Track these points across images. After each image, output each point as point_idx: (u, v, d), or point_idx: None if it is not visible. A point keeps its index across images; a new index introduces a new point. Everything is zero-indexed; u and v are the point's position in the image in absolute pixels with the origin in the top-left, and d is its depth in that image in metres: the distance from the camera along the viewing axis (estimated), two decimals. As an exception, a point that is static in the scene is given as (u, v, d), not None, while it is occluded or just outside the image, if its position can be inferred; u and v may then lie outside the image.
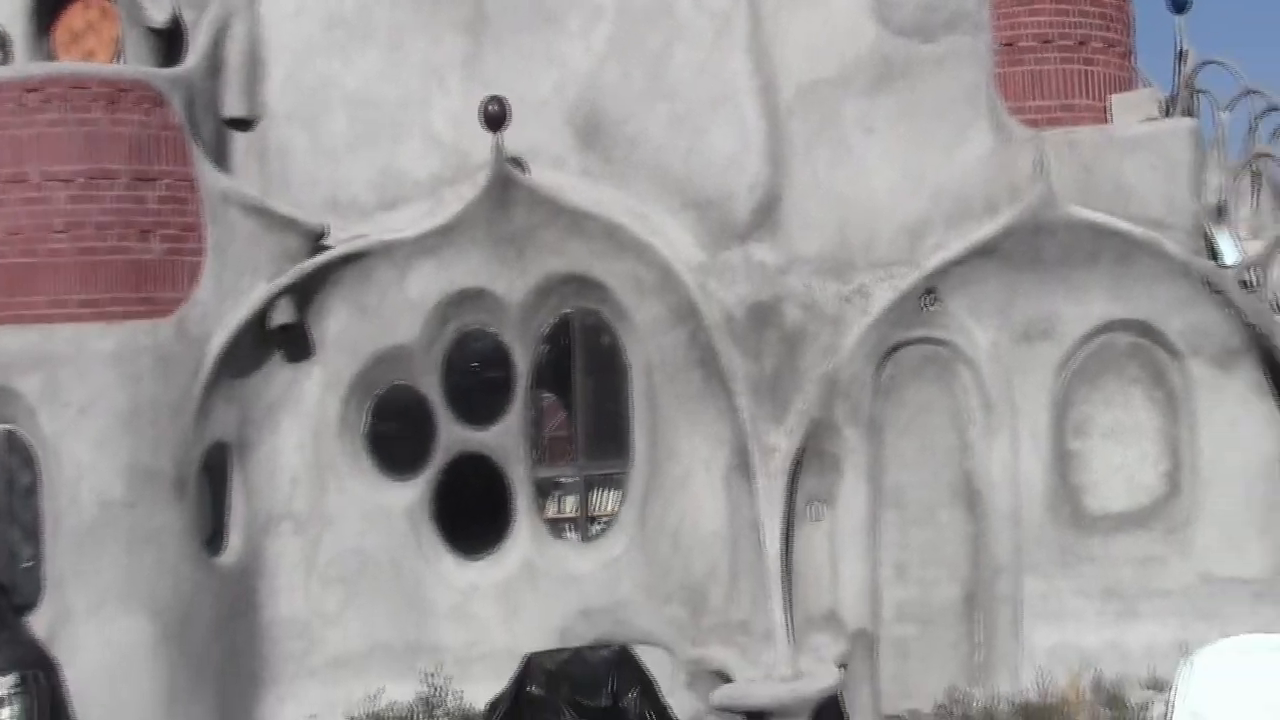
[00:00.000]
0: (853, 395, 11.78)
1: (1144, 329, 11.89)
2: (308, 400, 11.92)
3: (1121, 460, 11.98)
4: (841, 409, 11.77)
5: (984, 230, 11.70)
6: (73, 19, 12.67)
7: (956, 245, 11.72)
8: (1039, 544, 11.87)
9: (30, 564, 11.00)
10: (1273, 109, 13.08)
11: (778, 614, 11.33)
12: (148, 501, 10.96)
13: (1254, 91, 13.23)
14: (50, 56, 12.50)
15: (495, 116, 11.51)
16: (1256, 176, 13.16)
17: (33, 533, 11.02)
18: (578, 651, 10.91)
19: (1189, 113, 13.47)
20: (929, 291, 11.77)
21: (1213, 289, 11.71)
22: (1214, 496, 11.84)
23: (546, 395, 12.61)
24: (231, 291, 11.50)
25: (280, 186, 12.09)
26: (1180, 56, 13.65)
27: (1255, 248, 12.95)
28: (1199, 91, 13.53)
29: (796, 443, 11.66)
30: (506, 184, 11.71)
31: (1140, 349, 11.95)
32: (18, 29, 12.37)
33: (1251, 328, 11.69)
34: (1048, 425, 11.88)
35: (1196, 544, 11.86)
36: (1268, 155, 12.59)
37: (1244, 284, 11.87)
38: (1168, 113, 12.87)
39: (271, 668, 11.68)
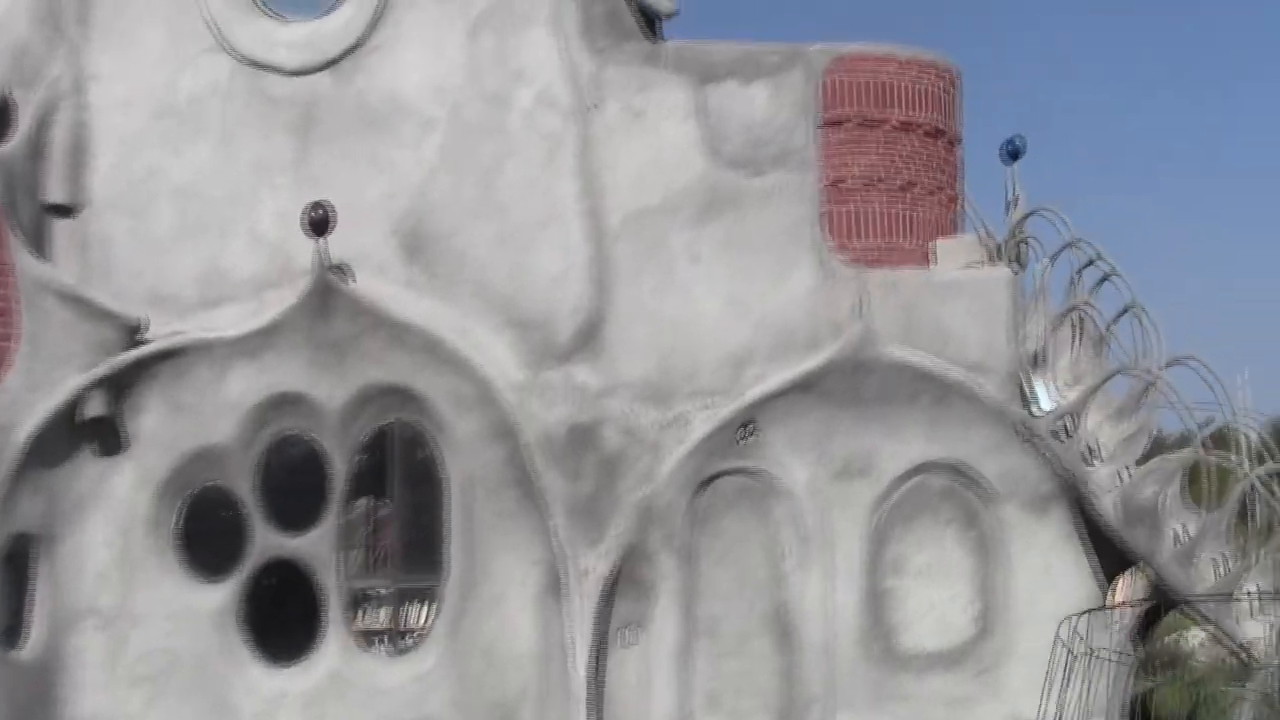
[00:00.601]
0: (668, 522, 13.86)
1: (959, 471, 14.13)
2: (118, 495, 13.66)
3: (934, 600, 14.15)
4: (657, 535, 13.84)
5: (804, 366, 13.89)
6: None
7: (776, 379, 13.92)
8: (851, 679, 13.98)
9: None
10: (1094, 261, 15.78)
11: (582, 736, 13.36)
12: (-58, 590, 12.64)
13: (1077, 243, 15.92)
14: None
15: (318, 222, 13.49)
16: (1078, 326, 15.78)
17: None
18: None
19: (1017, 260, 16.13)
20: (747, 423, 14.05)
21: (1026, 436, 14.16)
22: (1025, 639, 14.04)
23: (384, 502, 14.60)
24: (43, 380, 13.25)
25: (101, 277, 13.92)
26: (1012, 204, 16.40)
27: (1074, 396, 15.59)
28: (1025, 240, 16.25)
29: (610, 567, 13.68)
30: (328, 291, 13.67)
31: (955, 491, 14.19)
32: None
33: (1063, 476, 14.17)
34: (862, 562, 14.08)
35: (1007, 685, 14.01)
36: (1087, 306, 15.19)
37: (1057, 433, 14.38)
38: (1001, 258, 15.52)
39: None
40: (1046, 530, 14.17)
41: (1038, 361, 14.74)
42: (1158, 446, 15.71)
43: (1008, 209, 15.99)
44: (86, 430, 13.58)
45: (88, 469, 13.64)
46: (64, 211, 14.07)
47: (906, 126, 14.74)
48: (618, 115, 14.37)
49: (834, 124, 14.54)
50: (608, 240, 14.24)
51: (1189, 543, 13.99)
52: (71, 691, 13.38)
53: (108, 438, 13.70)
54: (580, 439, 13.93)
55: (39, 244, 13.84)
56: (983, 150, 16.40)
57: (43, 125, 13.95)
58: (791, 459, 14.07)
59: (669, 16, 14.77)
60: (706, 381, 14.14)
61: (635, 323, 14.20)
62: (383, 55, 14.35)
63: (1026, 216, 15.93)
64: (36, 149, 13.90)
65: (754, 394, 13.97)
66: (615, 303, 14.19)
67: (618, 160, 14.34)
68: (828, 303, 14.22)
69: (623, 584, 13.84)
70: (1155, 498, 14.05)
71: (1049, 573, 14.13)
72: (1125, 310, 15.47)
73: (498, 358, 14.01)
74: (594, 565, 13.76)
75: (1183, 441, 15.11)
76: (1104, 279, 15.68)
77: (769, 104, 14.44)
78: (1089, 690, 13.79)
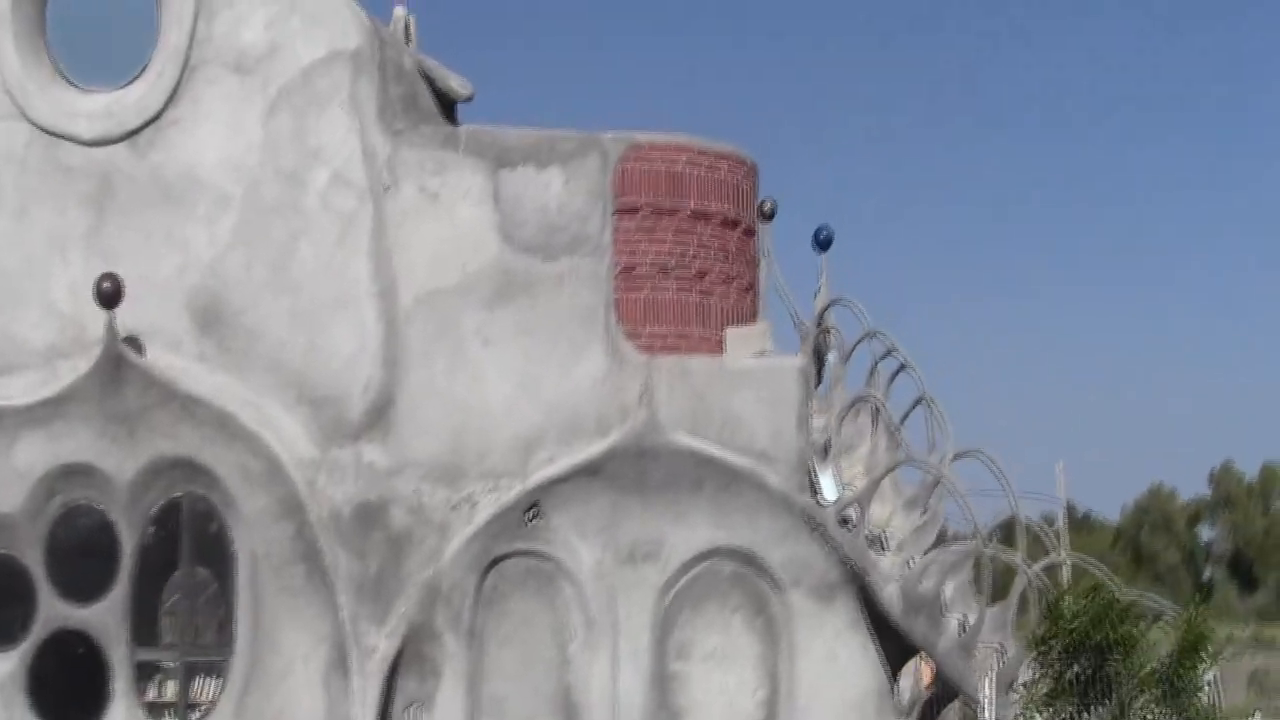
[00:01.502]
0: (454, 602, 17.63)
1: (747, 558, 17.91)
2: None
3: (721, 685, 17.90)
4: (443, 615, 17.62)
5: (589, 451, 17.81)
6: None
7: (562, 463, 17.93)
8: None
9: None
10: (891, 352, 20.38)
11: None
12: None
13: (876, 334, 20.53)
14: None
15: (108, 294, 17.08)
16: (875, 416, 20.34)
17: None
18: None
19: (819, 348, 20.76)
20: (533, 506, 18.25)
21: (811, 525, 18.53)
22: (811, 725, 18.34)
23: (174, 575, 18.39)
24: None
25: None
26: (816, 293, 21.03)
27: (862, 485, 20.15)
28: (828, 329, 20.87)
29: (395, 645, 17.41)
30: (118, 363, 17.30)
31: (743, 577, 17.96)
32: None
33: (848, 565, 18.54)
34: (649, 646, 17.81)
35: (793, 770, 18.28)
36: (872, 397, 19.76)
37: (844, 521, 18.79)
38: (816, 347, 20.04)
39: None
40: (833, 618, 18.17)
41: (827, 451, 19.20)
42: (953, 537, 20.22)
43: (815, 297, 20.69)
44: None
45: None
46: None
47: (700, 216, 18.95)
48: (413, 197, 18.34)
49: (627, 211, 18.66)
50: (400, 320, 18.11)
51: (969, 633, 18.39)
52: None
53: None
54: (368, 517, 17.84)
55: None
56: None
57: None
58: (578, 542, 17.99)
59: (465, 100, 19.01)
60: (496, 463, 18.00)
61: (426, 403, 18.03)
62: (181, 130, 18.15)
63: (828, 306, 20.53)
64: None
65: (539, 477, 17.83)
66: (407, 383, 18.06)
67: (412, 241, 18.22)
68: (618, 388, 18.23)
69: (408, 662, 17.61)
70: (936, 588, 18.39)
71: (835, 660, 18.00)
72: (918, 401, 20.13)
73: (289, 434, 17.91)
74: (379, 643, 17.64)
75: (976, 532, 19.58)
76: (899, 369, 20.35)
77: (564, 190, 18.42)
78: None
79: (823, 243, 21.28)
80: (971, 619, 18.52)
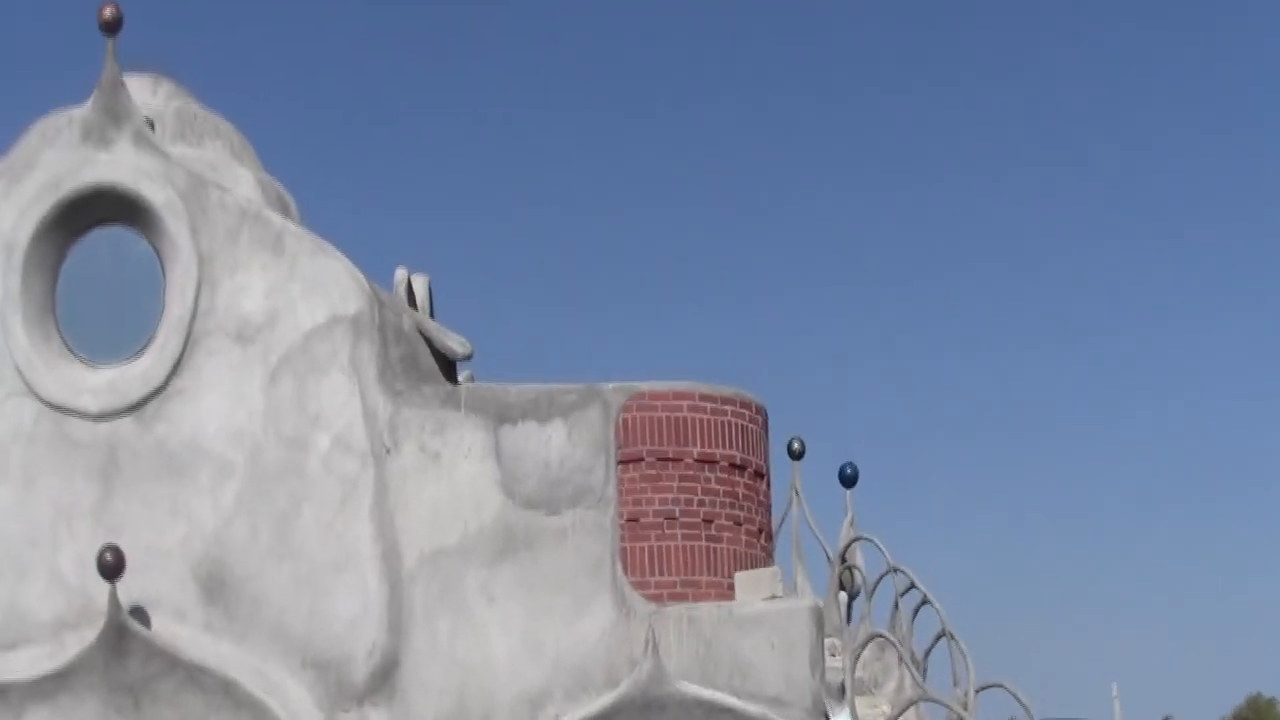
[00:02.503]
0: None
1: None
2: None
3: None
4: None
5: (593, 705, 17.43)
6: None
7: (569, 718, 17.45)
8: None
9: None
10: (911, 587, 19.47)
11: None
12: None
13: (898, 569, 19.65)
14: None
15: (110, 566, 17.03)
16: (902, 651, 19.35)
17: None
18: None
19: (843, 585, 19.86)
20: (535, 763, 17.42)
21: (829, 775, 17.58)
22: None
23: None
24: None
25: None
26: (845, 530, 20.20)
27: (882, 727, 19.10)
28: (851, 567, 19.99)
29: None
30: (122, 633, 17.16)
31: None
32: None
33: (861, 810, 17.54)
34: None
35: None
36: (884, 635, 18.80)
37: (861, 765, 17.80)
38: (842, 584, 19.13)
39: None
40: None
41: (841, 693, 18.19)
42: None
43: (841, 534, 19.85)
44: (-122, 777, 16.97)
45: None
46: None
47: (706, 461, 18.43)
48: (414, 456, 18.04)
49: (631, 461, 18.21)
50: (404, 581, 17.78)
51: None
52: None
53: None
54: None
55: None
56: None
57: None
58: (578, 806, 17.38)
59: (464, 358, 18.63)
60: None
61: (430, 664, 17.64)
62: (184, 400, 18.10)
63: (851, 543, 19.72)
64: None
65: None
66: (411, 644, 17.66)
67: (414, 501, 17.94)
68: (625, 640, 17.65)
69: None
70: (950, 837, 17.43)
71: None
72: (940, 636, 19.17)
73: (294, 700, 17.45)
74: None
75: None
76: (922, 603, 19.44)
77: (566, 443, 18.09)
78: None
79: (848, 479, 20.47)
80: None
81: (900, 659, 19.39)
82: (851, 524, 20.23)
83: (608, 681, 17.58)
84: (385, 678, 17.60)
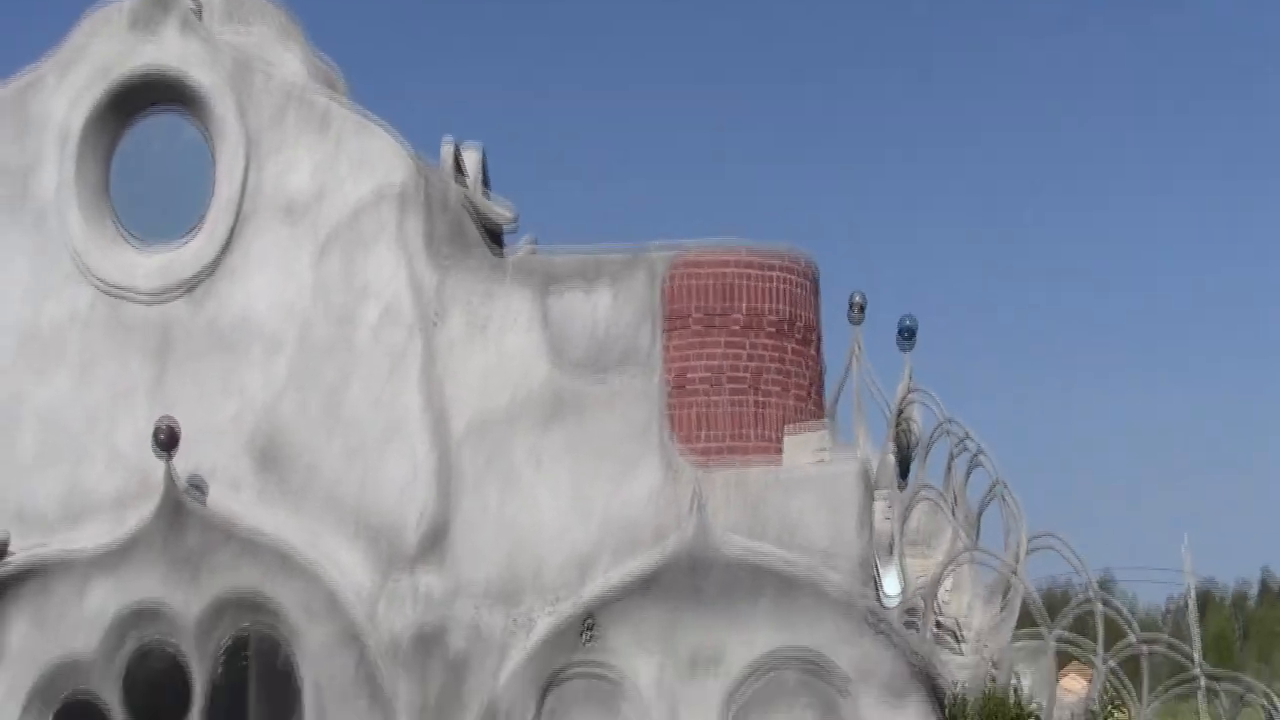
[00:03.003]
0: (515, 720, 17.12)
1: (812, 662, 16.99)
2: None
3: None
4: (503, 735, 17.09)
5: (640, 565, 17.17)
6: None
7: (616, 578, 17.15)
8: None
9: None
10: (964, 440, 18.94)
11: None
12: None
13: (950, 425, 19.12)
14: None
15: (165, 442, 17.10)
16: (954, 507, 18.85)
17: None
18: None
19: (899, 441, 19.39)
20: (587, 622, 17.21)
21: (875, 625, 17.15)
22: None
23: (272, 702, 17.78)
24: None
25: None
26: (904, 386, 19.70)
27: (947, 580, 18.66)
28: (908, 422, 19.50)
29: (456, 768, 16.96)
30: (178, 507, 17.25)
31: (810, 682, 17.02)
32: None
33: (917, 663, 17.08)
34: None
35: None
36: (926, 490, 18.31)
37: (910, 620, 17.34)
38: (898, 440, 18.70)
39: None
40: (905, 717, 17.03)
41: (890, 549, 17.78)
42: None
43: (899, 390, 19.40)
44: (-45, 647, 17.20)
45: None
46: (-65, 441, 17.83)
47: (753, 322, 18.03)
48: (462, 326, 17.85)
49: (677, 324, 17.89)
50: (453, 448, 17.65)
51: (1035, 728, 16.87)
52: None
53: None
54: (426, 643, 17.24)
55: None
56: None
57: (-91, 355, 17.76)
58: (637, 656, 17.18)
59: (509, 226, 18.30)
60: (552, 583, 17.34)
61: (480, 528, 17.52)
62: (235, 279, 18.05)
63: (907, 398, 19.24)
64: (-99, 379, 17.71)
65: (592, 593, 17.14)
66: (460, 509, 17.55)
67: (462, 369, 17.78)
68: (672, 501, 17.39)
69: (472, 783, 17.01)
70: (1004, 685, 16.97)
71: None
72: (992, 490, 18.65)
73: (348, 566, 17.39)
74: (440, 766, 16.95)
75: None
76: (976, 459, 18.91)
77: (612, 308, 17.82)
78: None
79: (906, 334, 19.94)
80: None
81: (947, 513, 18.87)
82: (908, 380, 19.71)
83: (655, 542, 17.37)
84: (435, 543, 17.51)
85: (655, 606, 17.18)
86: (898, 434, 19.52)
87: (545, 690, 17.22)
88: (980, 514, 18.98)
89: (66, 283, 18.23)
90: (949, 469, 19.26)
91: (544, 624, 17.21)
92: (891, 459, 18.94)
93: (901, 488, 19.11)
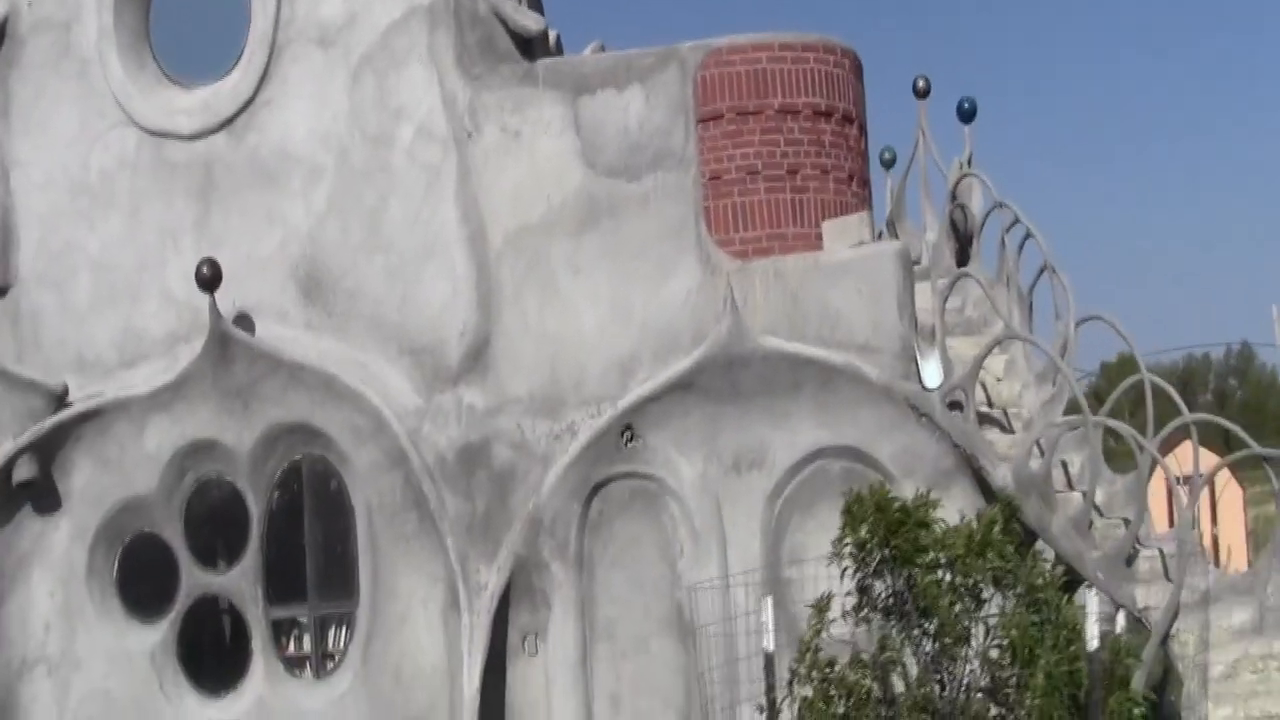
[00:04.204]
0: (558, 532, 15.90)
1: (855, 454, 15.60)
2: (57, 550, 16.87)
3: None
4: (548, 546, 15.90)
5: (676, 367, 15.66)
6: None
7: (653, 381, 15.71)
8: (752, 674, 15.54)
9: None
10: (1015, 222, 16.87)
11: (467, 742, 15.42)
12: (-115, 649, 15.85)
13: (1002, 205, 17.05)
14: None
15: (207, 279, 16.32)
16: (1008, 289, 16.83)
17: None
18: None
19: (954, 224, 17.40)
20: (627, 428, 15.74)
21: (918, 413, 15.35)
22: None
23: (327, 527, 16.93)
24: None
25: (33, 348, 17.23)
26: (965, 165, 17.68)
27: (998, 365, 16.69)
28: (961, 205, 17.48)
29: (503, 580, 15.78)
30: (224, 341, 16.50)
31: (854, 473, 15.56)
32: None
33: (961, 450, 15.27)
34: (760, 554, 15.58)
35: (910, 669, 15.39)
36: (965, 273, 16.30)
37: (953, 405, 15.49)
38: (952, 222, 16.81)
39: (26, 808, 16.36)
40: (951, 506, 15.26)
41: (932, 335, 15.86)
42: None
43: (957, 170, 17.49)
44: (23, 493, 16.59)
45: (28, 528, 16.98)
46: (-1, 291, 17.16)
47: (788, 111, 16.32)
48: (495, 138, 16.59)
49: (710, 119, 16.31)
50: (491, 262, 16.49)
51: (1079, 510, 14.92)
52: (26, 736, 16.41)
53: (45, 498, 16.94)
54: (471, 458, 16.17)
55: None
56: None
57: (-30, 214, 17.07)
58: (679, 458, 15.87)
59: (538, 35, 16.73)
60: (594, 390, 16.12)
61: (521, 340, 16.39)
62: (272, 110, 17.08)
63: (960, 180, 17.26)
64: (-36, 237, 17.07)
65: (630, 398, 15.79)
66: (501, 322, 16.43)
67: (497, 182, 16.58)
68: (712, 299, 15.96)
69: (520, 595, 15.99)
70: (1045, 465, 15.07)
71: None
72: (1042, 270, 16.62)
73: (394, 387, 16.38)
74: (489, 579, 15.73)
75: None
76: (1026, 238, 16.87)
77: (644, 108, 16.37)
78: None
79: (966, 114, 17.89)
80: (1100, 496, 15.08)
81: (989, 295, 16.82)
82: (965, 162, 17.63)
83: (695, 342, 16.06)
84: (478, 357, 16.43)
85: (695, 408, 15.86)
86: (953, 218, 17.49)
87: (589, 498, 16.04)
88: (1030, 296, 16.90)
89: (112, 129, 17.46)
90: (1001, 250, 17.21)
91: (584, 432, 15.84)
92: (928, 239, 16.95)
93: (931, 271, 17.16)
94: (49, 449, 16.74)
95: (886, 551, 12.88)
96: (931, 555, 12.84)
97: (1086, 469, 15.69)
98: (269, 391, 16.51)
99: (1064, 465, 16.03)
